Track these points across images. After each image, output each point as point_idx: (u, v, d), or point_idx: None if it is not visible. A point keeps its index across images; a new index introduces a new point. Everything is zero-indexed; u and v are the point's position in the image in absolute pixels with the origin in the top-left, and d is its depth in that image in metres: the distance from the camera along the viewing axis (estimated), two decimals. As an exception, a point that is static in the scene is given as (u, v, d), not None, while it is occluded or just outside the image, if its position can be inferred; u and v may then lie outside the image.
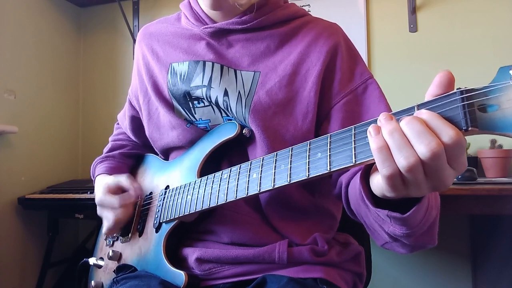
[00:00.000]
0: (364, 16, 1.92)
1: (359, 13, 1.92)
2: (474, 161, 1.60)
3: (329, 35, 0.76)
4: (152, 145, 0.87)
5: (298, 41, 0.76)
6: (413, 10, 1.84)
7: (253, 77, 0.74)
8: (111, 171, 0.89)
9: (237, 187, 0.60)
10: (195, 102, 0.78)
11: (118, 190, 0.83)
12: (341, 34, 0.78)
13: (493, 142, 1.59)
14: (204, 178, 0.69)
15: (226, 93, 0.74)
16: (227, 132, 0.72)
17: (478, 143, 1.66)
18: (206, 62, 0.77)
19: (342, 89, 0.73)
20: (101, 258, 0.89)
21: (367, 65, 1.93)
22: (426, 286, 1.82)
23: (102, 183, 0.85)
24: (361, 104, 0.72)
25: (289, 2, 0.83)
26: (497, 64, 0.40)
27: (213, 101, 0.75)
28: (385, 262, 1.86)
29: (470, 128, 0.39)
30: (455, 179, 1.38)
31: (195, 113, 0.78)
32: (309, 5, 1.99)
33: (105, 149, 0.98)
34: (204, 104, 0.77)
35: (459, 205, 1.26)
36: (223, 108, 0.75)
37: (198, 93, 0.77)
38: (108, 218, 0.81)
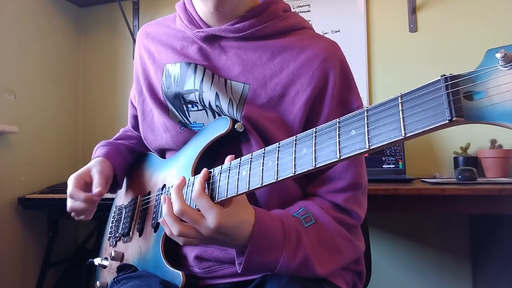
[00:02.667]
0: (364, 16, 1.92)
1: (359, 13, 1.92)
2: (474, 161, 1.60)
3: (324, 58, 0.73)
4: (147, 146, 0.87)
5: (292, 58, 0.74)
6: (413, 10, 1.84)
7: (242, 89, 0.74)
8: (107, 156, 0.89)
9: (227, 186, 0.60)
10: (189, 105, 0.78)
11: (89, 179, 0.83)
12: (338, 58, 0.75)
13: (493, 142, 1.59)
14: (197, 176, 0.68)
15: (217, 97, 0.74)
16: (220, 128, 0.71)
17: (478, 143, 1.66)
18: (198, 65, 0.76)
19: (329, 119, 0.70)
20: (106, 259, 0.89)
21: (367, 65, 1.94)
22: (426, 286, 1.82)
23: (89, 165, 0.86)
24: None
25: (291, 12, 0.80)
26: (497, 64, 0.39)
27: (207, 104, 0.75)
28: (385, 262, 1.86)
29: (454, 118, 0.36)
30: (455, 179, 1.38)
31: (189, 116, 0.78)
32: (309, 5, 1.99)
33: (114, 137, 1.00)
34: (197, 108, 0.77)
35: (459, 205, 1.26)
36: (217, 111, 0.75)
37: (192, 97, 0.76)
38: (67, 202, 0.82)
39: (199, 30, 0.78)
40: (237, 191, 0.58)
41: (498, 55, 0.34)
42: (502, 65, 0.34)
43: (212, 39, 0.77)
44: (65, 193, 1.85)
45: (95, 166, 0.85)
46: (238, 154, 0.68)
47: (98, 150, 0.92)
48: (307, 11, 1.99)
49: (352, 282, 0.76)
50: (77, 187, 0.80)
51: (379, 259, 1.86)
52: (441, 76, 0.38)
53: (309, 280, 0.67)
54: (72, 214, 0.82)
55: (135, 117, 0.94)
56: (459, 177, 1.37)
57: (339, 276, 0.72)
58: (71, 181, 0.81)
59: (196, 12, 0.80)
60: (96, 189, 0.79)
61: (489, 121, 0.35)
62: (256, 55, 0.74)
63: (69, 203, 0.81)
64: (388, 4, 1.90)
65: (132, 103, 0.95)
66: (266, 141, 0.71)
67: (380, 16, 1.91)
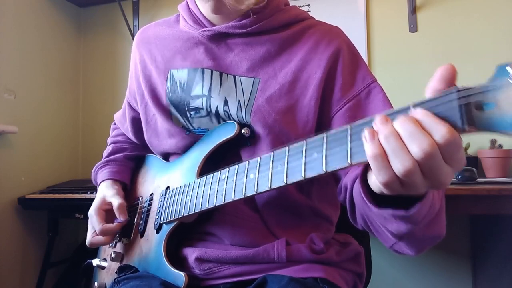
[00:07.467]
0: (364, 16, 1.92)
1: (359, 13, 1.92)
2: (474, 161, 1.60)
3: (329, 40, 0.75)
4: (152, 150, 0.87)
5: (299, 47, 0.75)
6: (413, 10, 1.84)
7: (252, 84, 0.74)
8: (114, 176, 0.89)
9: (235, 188, 0.60)
10: (192, 112, 0.77)
11: (110, 208, 0.83)
12: (342, 38, 0.76)
13: (493, 142, 1.59)
14: (203, 178, 0.69)
15: (226, 103, 0.74)
16: (227, 133, 0.72)
17: (478, 143, 1.66)
18: (205, 69, 0.76)
19: (343, 95, 0.71)
20: (104, 259, 0.89)
21: (367, 65, 1.93)
22: (426, 286, 1.82)
23: (101, 194, 0.86)
24: (365, 109, 0.70)
25: (290, 5, 0.82)
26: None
27: (213, 111, 0.75)
28: (385, 262, 1.86)
29: (467, 128, 0.38)
30: (455, 179, 1.38)
31: (193, 122, 0.78)
32: (309, 5, 1.99)
33: (105, 153, 0.97)
34: (201, 114, 0.77)
35: (459, 205, 1.26)
36: (223, 117, 0.75)
37: (198, 102, 0.76)
38: (87, 235, 0.83)
39: (205, 29, 0.78)
40: (244, 194, 0.58)
41: (509, 69, 0.36)
42: None
43: (218, 37, 0.77)
44: (65, 193, 1.87)
45: (107, 190, 0.85)
46: (240, 159, 0.68)
47: (101, 174, 0.91)
48: (307, 11, 1.99)
49: (352, 283, 0.77)
50: (104, 220, 0.81)
51: (379, 259, 1.85)
52: (453, 87, 0.39)
53: (310, 280, 0.67)
54: (89, 246, 0.83)
55: (134, 120, 0.92)
56: (459, 177, 1.37)
57: (340, 276, 0.72)
58: (94, 218, 0.81)
59: (200, 12, 0.80)
60: (121, 217, 0.81)
61: (499, 130, 0.37)
62: (264, 49, 0.75)
63: (92, 238, 0.81)
64: (388, 4, 1.90)
65: (130, 105, 0.93)
66: (276, 137, 0.71)
67: (380, 16, 1.91)
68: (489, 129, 0.37)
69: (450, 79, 0.40)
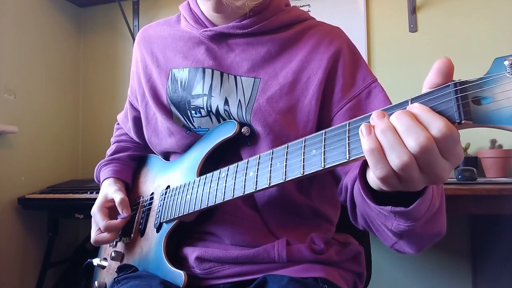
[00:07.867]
0: (364, 16, 1.92)
1: (359, 13, 1.92)
2: (474, 161, 1.60)
3: (330, 41, 0.75)
4: (152, 149, 0.87)
5: (300, 47, 0.75)
6: (413, 10, 1.84)
7: (253, 84, 0.74)
8: (117, 174, 0.89)
9: (234, 186, 0.60)
10: (193, 111, 0.77)
11: (113, 205, 0.83)
12: (343, 38, 0.77)
13: (493, 142, 1.59)
14: (203, 177, 0.69)
15: (226, 102, 0.74)
16: (227, 132, 0.72)
17: (478, 143, 1.66)
18: (206, 69, 0.77)
19: (344, 95, 0.71)
20: (105, 259, 0.89)
21: (367, 65, 1.93)
22: (426, 286, 1.82)
23: (103, 192, 0.86)
24: (365, 109, 0.71)
25: (291, 6, 0.82)
26: (498, 64, 0.39)
27: (214, 110, 0.75)
28: (385, 262, 1.86)
29: (463, 121, 0.38)
30: (455, 179, 1.38)
31: (194, 122, 0.78)
32: (309, 5, 1.99)
33: (109, 152, 0.98)
34: (201, 114, 0.77)
35: (459, 205, 1.26)
36: (224, 117, 0.75)
37: (199, 102, 0.76)
38: (91, 233, 0.83)
39: (206, 29, 0.78)
40: (243, 191, 0.58)
41: (506, 63, 0.36)
42: (509, 72, 0.36)
43: (219, 37, 0.78)
44: (65, 193, 1.87)
45: (109, 188, 0.86)
46: (239, 159, 0.68)
47: (104, 172, 0.91)
48: (307, 11, 1.99)
49: (352, 283, 0.77)
50: (107, 217, 0.81)
51: (379, 259, 1.86)
52: (451, 81, 0.39)
53: (310, 280, 0.67)
54: (94, 244, 0.83)
55: (135, 119, 0.93)
56: (459, 177, 1.37)
57: (340, 276, 0.72)
58: (98, 215, 0.81)
59: (202, 12, 0.80)
60: (124, 212, 0.81)
61: (495, 124, 0.36)
62: (265, 49, 0.75)
63: (97, 236, 0.81)
64: (388, 4, 1.90)
65: (132, 105, 0.93)
66: (277, 137, 0.71)
67: (380, 16, 1.91)
68: (486, 123, 0.37)
69: (447, 73, 0.40)
